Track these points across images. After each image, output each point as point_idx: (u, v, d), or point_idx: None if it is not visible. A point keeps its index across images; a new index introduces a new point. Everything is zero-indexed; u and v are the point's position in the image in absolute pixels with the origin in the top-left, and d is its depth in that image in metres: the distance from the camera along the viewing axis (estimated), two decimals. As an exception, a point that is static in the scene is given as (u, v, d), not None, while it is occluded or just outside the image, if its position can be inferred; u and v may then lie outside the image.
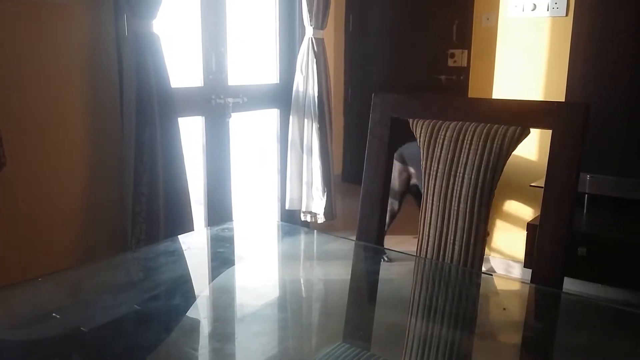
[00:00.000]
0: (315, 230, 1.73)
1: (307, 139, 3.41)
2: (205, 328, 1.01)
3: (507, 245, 3.14)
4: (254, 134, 3.65)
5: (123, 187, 2.55)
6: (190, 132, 3.04)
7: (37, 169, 2.34)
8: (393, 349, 0.96)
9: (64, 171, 2.44)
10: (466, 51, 4.19)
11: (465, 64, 4.21)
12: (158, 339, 0.95)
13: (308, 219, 3.47)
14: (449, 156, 1.35)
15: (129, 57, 2.50)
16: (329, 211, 3.40)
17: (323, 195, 3.38)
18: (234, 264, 1.33)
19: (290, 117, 3.43)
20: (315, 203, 3.43)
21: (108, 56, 2.53)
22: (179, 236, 1.55)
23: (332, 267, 1.36)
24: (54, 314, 1.02)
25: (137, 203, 2.52)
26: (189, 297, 1.14)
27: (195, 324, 1.03)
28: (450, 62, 4.28)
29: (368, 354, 0.93)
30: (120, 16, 2.52)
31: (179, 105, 2.74)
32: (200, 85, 3.03)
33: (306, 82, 3.37)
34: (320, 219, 3.41)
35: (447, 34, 4.27)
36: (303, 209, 3.48)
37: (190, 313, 1.06)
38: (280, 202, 3.62)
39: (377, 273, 1.33)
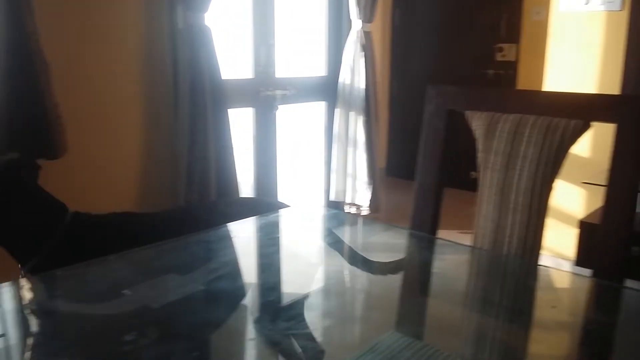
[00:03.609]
0: (365, 219, 1.73)
1: (352, 132, 3.43)
2: (256, 313, 1.03)
3: (557, 243, 3.08)
4: (302, 126, 3.68)
5: (176, 176, 2.62)
6: (243, 123, 3.10)
7: (94, 157, 2.42)
8: (447, 340, 0.96)
9: (120, 160, 2.53)
10: (515, 45, 4.13)
11: (514, 58, 4.14)
12: (218, 318, 0.98)
13: (352, 211, 3.49)
14: (507, 149, 1.35)
15: (182, 50, 2.55)
16: (373, 204, 3.41)
17: (368, 188, 3.39)
18: (285, 252, 1.35)
19: (336, 109, 3.45)
20: (360, 195, 3.44)
21: (162, 48, 2.59)
22: (228, 224, 1.58)
23: (383, 256, 1.37)
24: (125, 291, 1.07)
25: (189, 192, 2.59)
26: (239, 282, 1.17)
27: (244, 309, 1.05)
28: (498, 56, 4.22)
29: (421, 343, 0.93)
30: (174, 9, 2.58)
31: (231, 96, 2.79)
32: (250, 77, 3.07)
33: (353, 75, 3.37)
34: (365, 211, 3.43)
35: (496, 28, 4.21)
36: (347, 201, 3.50)
37: (241, 298, 1.09)
38: (325, 193, 3.64)
39: (431, 263, 1.33)
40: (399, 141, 4.67)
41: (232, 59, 3.03)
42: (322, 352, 0.91)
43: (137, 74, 2.53)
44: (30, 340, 0.92)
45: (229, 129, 2.73)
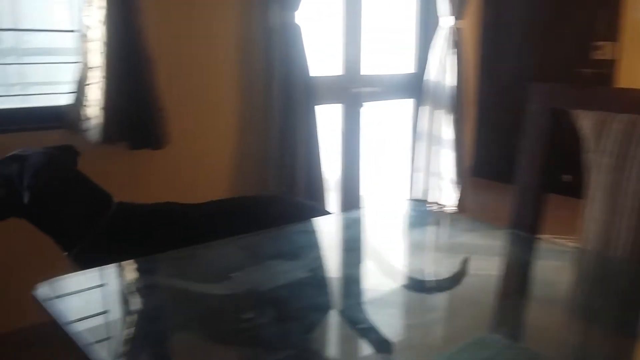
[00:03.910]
0: (458, 217, 1.70)
1: (439, 130, 3.38)
2: (350, 303, 1.06)
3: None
4: (387, 123, 3.68)
5: (266, 171, 2.69)
6: (332, 119, 3.14)
7: (192, 149, 2.54)
8: (546, 345, 0.92)
9: (215, 153, 2.63)
10: (614, 43, 3.92)
11: (612, 57, 3.93)
12: (324, 304, 1.01)
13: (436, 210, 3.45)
14: (617, 150, 1.29)
15: (274, 48, 2.62)
16: (460, 204, 3.35)
17: (454, 187, 3.34)
18: (379, 247, 1.35)
19: (422, 107, 3.42)
20: (444, 195, 3.40)
21: (255, 46, 2.67)
22: (312, 219, 1.54)
23: (480, 255, 1.35)
24: (234, 273, 1.12)
25: (278, 186, 2.66)
26: (338, 272, 1.20)
27: (344, 297, 1.07)
28: (594, 55, 4.02)
29: (521, 346, 0.91)
30: (267, 8, 2.64)
31: (320, 93, 2.84)
32: (339, 74, 3.11)
33: (441, 72, 3.33)
34: (449, 210, 3.38)
35: (592, 25, 4.01)
36: (431, 200, 3.46)
37: (340, 287, 1.11)
38: (410, 191, 3.62)
39: (533, 265, 1.30)
40: (486, 141, 4.55)
41: (320, 56, 3.08)
42: (408, 348, 0.91)
43: (232, 71, 2.62)
44: (145, 317, 0.99)
45: (316, 125, 2.77)
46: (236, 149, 2.69)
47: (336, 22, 3.09)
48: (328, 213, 1.57)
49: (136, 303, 1.03)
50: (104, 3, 2.08)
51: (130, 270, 1.15)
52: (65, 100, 2.23)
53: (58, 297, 0.99)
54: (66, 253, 1.59)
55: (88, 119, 2.17)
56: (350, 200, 3.27)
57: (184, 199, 1.77)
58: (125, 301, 1.04)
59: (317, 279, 1.12)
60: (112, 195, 1.66)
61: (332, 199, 3.22)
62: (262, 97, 2.70)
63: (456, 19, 3.29)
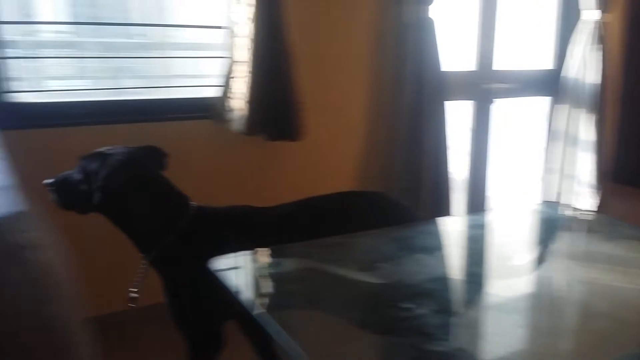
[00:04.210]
0: (604, 220, 1.60)
1: (577, 131, 3.19)
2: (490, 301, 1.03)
3: None
4: (519, 121, 3.53)
5: (392, 167, 2.69)
6: (462, 116, 3.08)
7: (324, 142, 2.61)
8: None
9: (345, 146, 2.69)
10: None
11: None
12: (472, 299, 1.00)
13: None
14: None
15: (407, 43, 2.61)
16: (598, 210, 3.15)
17: (593, 192, 3.14)
18: (518, 251, 1.32)
19: (559, 105, 3.24)
20: (579, 199, 3.20)
21: (388, 42, 2.68)
22: (437, 219, 1.55)
23: (630, 266, 1.26)
24: (382, 264, 1.15)
25: (403, 179, 2.66)
26: (475, 269, 1.18)
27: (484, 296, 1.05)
28: None
29: None
30: (401, 2, 2.63)
31: (451, 89, 2.79)
32: (471, 69, 3.04)
33: (582, 69, 3.13)
34: (590, 215, 3.19)
35: None
36: (564, 204, 3.28)
37: (480, 286, 1.08)
38: (541, 194, 3.45)
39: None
40: (630, 145, 4.20)
41: (452, 50, 3.02)
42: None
43: (365, 66, 2.66)
44: (304, 299, 1.04)
45: (446, 122, 2.73)
46: (365, 143, 2.73)
47: (470, 15, 3.02)
48: (422, 218, 1.49)
49: (294, 284, 1.09)
50: (252, 1, 2.19)
51: (285, 253, 1.22)
52: (210, 92, 2.37)
53: (228, 269, 1.07)
54: (144, 255, 1.60)
55: (232, 110, 2.30)
56: (477, 201, 3.19)
57: (312, 190, 1.80)
58: (282, 281, 1.10)
59: (464, 277, 1.12)
60: (189, 199, 1.65)
61: (458, 199, 3.15)
62: (392, 92, 2.70)
63: (602, 12, 3.07)
